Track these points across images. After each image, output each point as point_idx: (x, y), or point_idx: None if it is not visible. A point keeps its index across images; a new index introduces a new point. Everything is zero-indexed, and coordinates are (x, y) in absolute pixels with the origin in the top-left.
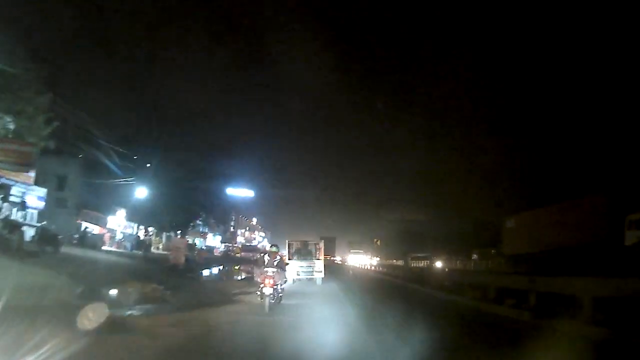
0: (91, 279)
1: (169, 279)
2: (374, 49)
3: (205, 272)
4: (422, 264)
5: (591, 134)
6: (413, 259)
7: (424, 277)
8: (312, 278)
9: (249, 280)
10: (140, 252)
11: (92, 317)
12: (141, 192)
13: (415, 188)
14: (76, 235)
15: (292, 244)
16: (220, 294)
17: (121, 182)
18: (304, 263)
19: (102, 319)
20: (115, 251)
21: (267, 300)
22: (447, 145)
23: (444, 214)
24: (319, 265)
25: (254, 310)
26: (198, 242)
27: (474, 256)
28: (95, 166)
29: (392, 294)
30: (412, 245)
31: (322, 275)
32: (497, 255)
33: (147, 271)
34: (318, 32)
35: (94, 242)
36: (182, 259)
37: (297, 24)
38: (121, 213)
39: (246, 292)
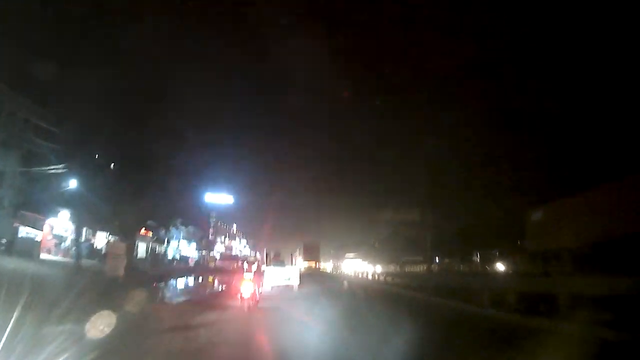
0: None
1: (70, 306)
2: (368, 51)
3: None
4: (420, 268)
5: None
6: (405, 262)
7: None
8: (288, 284)
9: (217, 299)
10: (95, 262)
11: None
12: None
13: (409, 188)
14: (4, 241)
15: (269, 252)
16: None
17: (58, 173)
18: (280, 270)
19: None
20: (55, 260)
21: (246, 302)
22: (443, 144)
23: (439, 215)
24: (295, 271)
25: None
26: (172, 250)
27: (476, 258)
28: (38, 160)
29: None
30: (406, 248)
31: (297, 281)
32: (501, 256)
33: (56, 289)
34: (312, 31)
35: (29, 249)
36: (121, 270)
37: (291, 21)
38: (64, 214)
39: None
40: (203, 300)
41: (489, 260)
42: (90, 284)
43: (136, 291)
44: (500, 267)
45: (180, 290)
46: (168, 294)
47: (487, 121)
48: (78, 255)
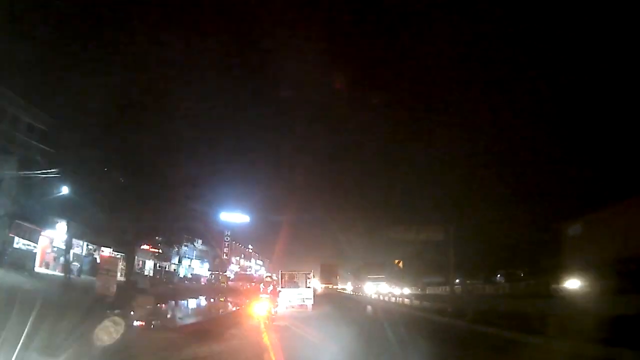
0: None
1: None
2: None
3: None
4: (442, 290)
5: None
6: (428, 284)
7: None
8: (303, 305)
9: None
10: (93, 278)
11: None
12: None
13: (432, 205)
14: None
15: (285, 274)
16: None
17: (56, 183)
18: (294, 291)
19: None
20: (50, 274)
21: (261, 321)
22: (467, 157)
23: (463, 233)
24: (309, 293)
25: None
26: (183, 269)
27: (499, 278)
28: (36, 169)
29: None
30: (429, 269)
31: (312, 302)
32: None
33: (30, 306)
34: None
35: (23, 261)
36: (113, 288)
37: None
38: (62, 226)
39: None
40: (202, 327)
41: (515, 279)
42: (70, 301)
43: (121, 313)
44: (572, 285)
45: (180, 312)
46: (162, 317)
47: (513, 131)
48: (67, 270)
